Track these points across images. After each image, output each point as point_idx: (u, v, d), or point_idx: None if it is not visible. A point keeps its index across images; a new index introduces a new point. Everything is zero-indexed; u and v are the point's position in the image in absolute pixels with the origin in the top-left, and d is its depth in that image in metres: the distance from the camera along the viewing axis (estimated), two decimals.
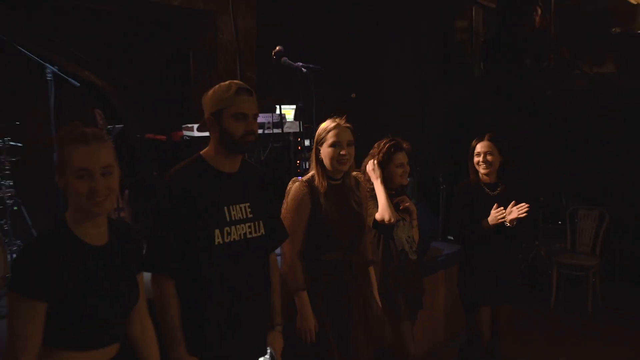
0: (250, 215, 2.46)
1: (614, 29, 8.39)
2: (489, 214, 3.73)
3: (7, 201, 4.88)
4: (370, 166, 3.47)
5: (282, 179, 6.61)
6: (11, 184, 4.93)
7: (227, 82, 2.50)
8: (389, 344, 3.31)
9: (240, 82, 2.50)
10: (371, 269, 3.27)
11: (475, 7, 8.63)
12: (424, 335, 4.68)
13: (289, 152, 6.50)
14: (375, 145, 3.58)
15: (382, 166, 3.48)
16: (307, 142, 6.98)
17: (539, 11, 8.41)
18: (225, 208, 2.39)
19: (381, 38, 7.94)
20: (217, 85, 2.51)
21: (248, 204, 2.46)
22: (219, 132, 2.42)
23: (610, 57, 8.32)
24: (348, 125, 3.05)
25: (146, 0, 6.55)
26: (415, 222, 3.61)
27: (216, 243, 2.34)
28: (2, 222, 4.82)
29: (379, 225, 3.41)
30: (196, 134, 6.22)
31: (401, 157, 3.50)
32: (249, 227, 2.46)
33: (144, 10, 7.08)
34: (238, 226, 2.41)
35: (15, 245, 4.87)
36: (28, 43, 5.76)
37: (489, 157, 3.78)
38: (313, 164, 3.06)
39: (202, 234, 2.33)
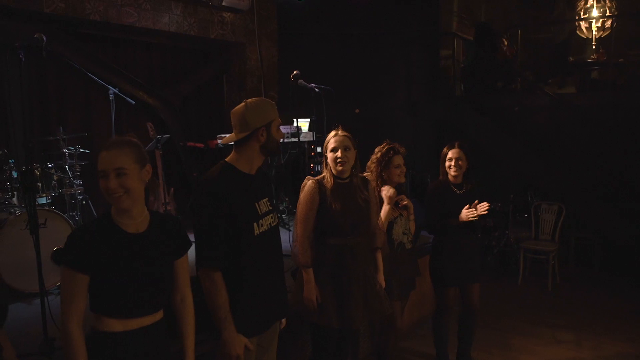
0: (270, 208, 2.46)
1: (570, 58, 8.39)
2: (456, 209, 3.66)
3: (78, 197, 4.93)
4: (385, 192, 3.37)
5: (298, 178, 6.64)
6: (81, 182, 4.97)
7: (264, 99, 2.45)
8: (386, 317, 3.32)
9: (269, 100, 2.50)
10: (378, 255, 3.22)
11: (456, 39, 8.61)
12: (414, 309, 4.67)
13: (304, 157, 6.53)
14: (376, 149, 3.54)
15: (382, 167, 3.45)
16: (319, 149, 7.00)
17: (505, 43, 8.41)
18: (256, 204, 2.38)
19: (379, 64, 7.95)
20: (256, 102, 2.41)
21: (267, 198, 2.46)
22: (265, 140, 2.38)
23: (567, 81, 8.32)
24: (345, 133, 3.04)
25: (189, 35, 6.60)
26: (412, 216, 3.57)
27: (255, 234, 2.34)
28: (74, 213, 4.87)
29: None
30: (228, 142, 6.25)
31: (398, 159, 3.47)
32: (272, 217, 2.47)
33: (187, 42, 7.13)
34: (266, 218, 2.41)
35: None
36: (95, 69, 5.83)
37: (459, 162, 3.72)
38: (324, 166, 3.07)
39: (245, 227, 2.31)
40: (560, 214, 6.16)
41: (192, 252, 2.21)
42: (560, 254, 6.29)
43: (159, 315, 2.00)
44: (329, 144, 3.02)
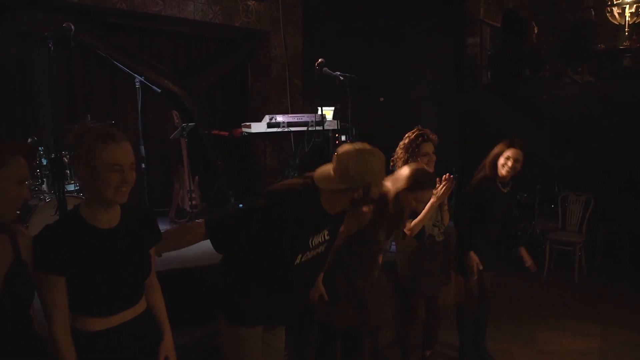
0: (327, 238, 2.37)
1: (600, 45, 8.18)
2: (500, 208, 3.59)
3: None
4: (442, 185, 3.24)
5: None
6: None
7: (375, 151, 2.22)
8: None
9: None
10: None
11: (483, 26, 8.47)
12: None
13: (328, 145, 6.51)
14: (406, 135, 3.42)
15: (410, 154, 3.32)
16: (343, 138, 6.99)
17: (535, 30, 8.23)
18: (310, 239, 2.28)
19: (405, 52, 7.87)
20: (363, 154, 2.17)
21: (327, 231, 2.35)
22: (359, 199, 2.20)
23: (597, 68, 8.11)
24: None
25: (213, 23, 6.61)
26: (445, 207, 3.46)
27: (295, 263, 2.28)
28: None
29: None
30: (252, 130, 6.28)
31: (427, 147, 3.34)
32: (324, 246, 2.38)
33: (211, 31, 7.15)
34: (316, 250, 2.34)
35: None
36: (121, 58, 5.89)
37: (517, 164, 3.58)
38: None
39: (287, 255, 2.25)
40: (588, 206, 6.05)
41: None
42: (587, 246, 6.18)
43: (141, 307, 1.96)
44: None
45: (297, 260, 2.27)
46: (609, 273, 6.12)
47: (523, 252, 3.78)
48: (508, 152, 3.58)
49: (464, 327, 3.89)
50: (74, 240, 1.77)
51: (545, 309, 5.03)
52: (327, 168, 2.23)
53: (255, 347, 2.37)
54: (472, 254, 3.56)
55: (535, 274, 6.01)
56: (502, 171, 3.57)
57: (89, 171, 1.78)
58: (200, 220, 2.29)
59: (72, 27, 3.29)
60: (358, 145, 2.21)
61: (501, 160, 3.58)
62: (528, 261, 3.76)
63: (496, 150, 3.64)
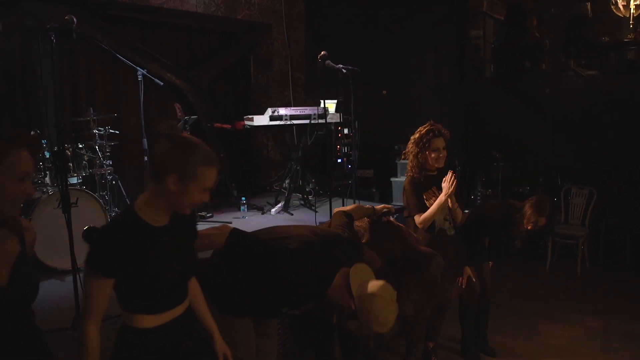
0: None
1: (604, 38, 8.13)
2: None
3: (108, 177, 5.02)
4: (447, 181, 3.29)
5: (325, 159, 6.65)
6: (110, 163, 5.06)
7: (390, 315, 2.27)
8: None
9: None
10: None
11: (486, 18, 8.42)
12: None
13: (331, 138, 6.51)
14: (418, 129, 3.43)
15: (419, 149, 3.34)
16: (345, 131, 6.98)
17: (535, 23, 8.19)
18: (307, 301, 2.41)
19: (407, 45, 7.84)
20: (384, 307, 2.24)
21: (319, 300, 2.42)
22: (347, 314, 2.27)
23: (600, 62, 8.07)
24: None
25: (215, 16, 6.60)
26: (456, 205, 3.48)
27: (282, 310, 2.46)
28: (104, 193, 4.96)
29: None
30: (255, 123, 6.27)
31: (438, 142, 3.34)
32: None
33: (214, 23, 7.14)
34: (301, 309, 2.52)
35: (113, 212, 5.02)
36: (123, 50, 5.88)
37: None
38: None
39: (278, 305, 2.41)
40: (591, 199, 6.04)
41: None
42: (590, 239, 6.17)
43: (186, 303, 1.98)
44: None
45: (284, 310, 2.39)
46: (611, 266, 6.12)
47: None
48: (541, 220, 3.57)
49: (467, 320, 3.91)
50: (131, 240, 1.75)
51: (547, 302, 5.03)
52: (363, 278, 2.26)
53: (245, 334, 2.40)
54: (469, 269, 3.66)
55: (537, 267, 6.04)
56: (525, 227, 3.59)
57: (182, 186, 1.76)
58: (225, 227, 2.30)
59: (74, 19, 3.28)
60: (386, 292, 2.23)
61: (528, 222, 3.57)
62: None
63: (529, 211, 3.58)
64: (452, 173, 3.31)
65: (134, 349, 1.82)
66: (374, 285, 2.24)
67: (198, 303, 2.10)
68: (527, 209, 3.53)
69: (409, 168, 3.47)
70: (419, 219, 3.30)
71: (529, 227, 3.56)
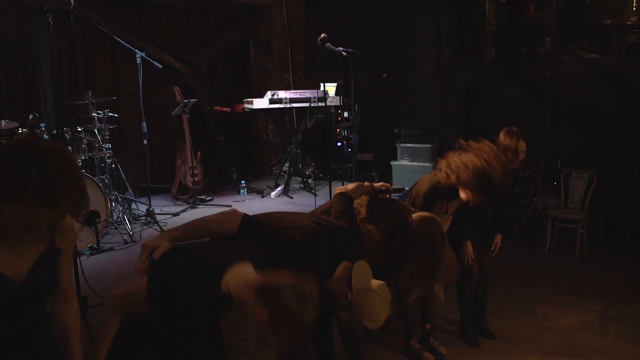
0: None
1: (606, 21, 8.07)
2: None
3: (107, 160, 5.01)
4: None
5: (324, 142, 6.64)
6: (110, 146, 5.05)
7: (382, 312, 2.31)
8: None
9: None
10: None
11: (488, 1, 8.35)
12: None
13: (330, 121, 6.50)
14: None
15: None
16: (345, 114, 6.96)
17: (532, 6, 8.13)
18: None
19: (408, 28, 7.78)
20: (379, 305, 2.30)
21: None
22: (342, 307, 2.31)
23: (602, 45, 8.02)
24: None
25: None
26: None
27: None
28: (103, 176, 4.96)
29: None
30: (254, 106, 6.24)
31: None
32: None
33: (213, 5, 7.08)
34: None
35: (113, 195, 5.02)
36: (121, 33, 5.84)
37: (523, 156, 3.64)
38: None
39: None
40: (591, 183, 6.03)
41: None
42: (589, 223, 6.18)
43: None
44: None
45: None
46: (611, 249, 6.13)
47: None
48: (520, 146, 3.64)
49: (465, 302, 3.93)
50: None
51: (546, 285, 5.05)
52: (365, 275, 2.31)
53: (251, 325, 2.39)
54: (469, 244, 3.64)
55: (537, 250, 6.06)
56: (515, 165, 3.63)
57: None
58: (235, 212, 2.23)
59: (72, 1, 3.25)
60: (384, 292, 2.28)
61: (509, 153, 3.61)
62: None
63: (505, 144, 3.64)
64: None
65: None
66: (374, 282, 2.30)
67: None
68: (501, 142, 3.59)
69: (444, 175, 3.29)
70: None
71: (515, 163, 3.58)
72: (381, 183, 3.14)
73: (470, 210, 3.62)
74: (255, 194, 6.25)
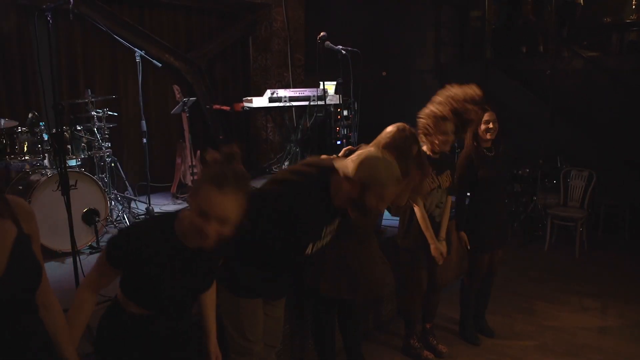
0: (336, 227, 2.42)
1: (606, 19, 8.07)
2: (492, 173, 3.63)
3: (107, 159, 5.00)
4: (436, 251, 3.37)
5: (324, 141, 6.62)
6: (109, 145, 5.04)
7: (396, 166, 2.22)
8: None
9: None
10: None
11: (487, 0, 8.35)
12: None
13: (330, 120, 6.49)
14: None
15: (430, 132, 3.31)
16: (345, 113, 6.95)
17: (530, 5, 8.13)
18: (324, 229, 2.32)
19: (408, 26, 7.78)
20: (381, 161, 2.18)
21: (338, 219, 2.39)
22: (355, 198, 2.16)
23: (602, 43, 8.02)
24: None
25: None
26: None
27: (306, 253, 2.31)
28: (103, 175, 4.95)
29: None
30: (254, 105, 6.23)
31: (448, 126, 3.28)
32: (333, 233, 2.43)
33: (212, 4, 7.07)
34: (326, 238, 2.36)
35: (112, 194, 5.01)
36: (121, 31, 5.83)
37: (496, 125, 3.63)
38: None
39: (298, 247, 2.28)
40: (590, 181, 6.03)
41: None
42: (588, 221, 6.19)
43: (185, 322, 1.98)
44: None
45: (308, 250, 2.29)
46: (610, 247, 6.14)
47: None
48: (486, 117, 3.62)
49: (466, 301, 3.93)
50: (151, 248, 1.76)
51: (545, 284, 5.06)
52: (354, 158, 2.22)
53: (254, 315, 2.42)
54: (463, 234, 3.67)
55: (536, 249, 6.07)
56: (487, 136, 3.64)
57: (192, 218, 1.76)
58: None
59: None
60: (385, 154, 2.26)
61: (482, 127, 3.63)
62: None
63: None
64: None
65: (115, 326, 1.86)
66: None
67: (206, 298, 2.10)
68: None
69: (426, 141, 3.43)
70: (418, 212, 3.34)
71: (489, 134, 3.59)
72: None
73: (487, 206, 3.64)
74: None
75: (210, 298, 2.14)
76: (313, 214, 2.20)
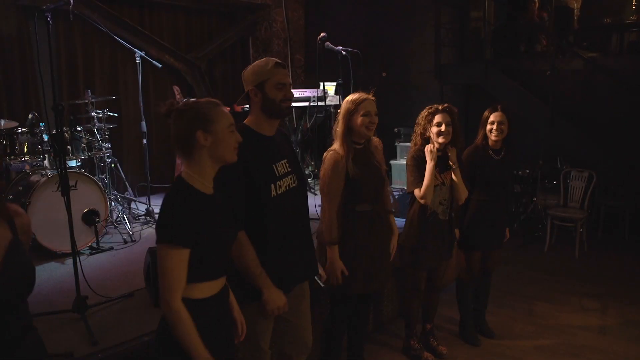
0: (289, 169, 2.42)
1: (606, 19, 8.07)
2: (493, 176, 3.64)
3: (107, 159, 5.01)
4: (429, 148, 3.31)
5: (324, 142, 6.62)
6: (109, 146, 5.04)
7: (263, 59, 2.38)
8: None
9: (274, 58, 2.40)
10: (392, 218, 3.23)
11: (487, 0, 8.35)
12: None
13: (330, 121, 6.48)
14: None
15: (424, 124, 3.37)
16: None
17: (536, 5, 8.13)
18: (273, 165, 2.35)
19: (408, 26, 7.78)
20: (253, 63, 2.39)
21: (286, 160, 2.41)
22: (262, 101, 2.33)
23: (602, 44, 8.01)
24: (373, 98, 3.01)
25: None
26: (461, 181, 3.42)
27: (272, 195, 2.31)
28: (103, 176, 4.95)
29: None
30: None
31: (440, 117, 3.31)
32: (290, 179, 2.42)
33: (212, 4, 7.07)
34: (284, 179, 2.38)
35: (113, 195, 5.01)
36: (121, 32, 5.83)
37: (502, 127, 3.61)
38: (341, 132, 2.95)
39: (263, 189, 2.29)
40: (590, 181, 6.04)
41: None
42: (588, 222, 6.19)
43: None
44: (360, 107, 2.94)
45: (273, 192, 2.31)
46: (610, 248, 6.14)
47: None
48: (492, 117, 3.64)
49: (464, 301, 3.93)
50: (193, 209, 1.78)
51: (545, 284, 5.06)
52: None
53: (266, 324, 2.39)
54: (456, 231, 3.65)
55: (536, 249, 6.06)
56: (492, 137, 3.64)
57: (210, 136, 1.83)
58: None
59: (71, 0, 3.24)
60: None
61: (488, 127, 3.65)
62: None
63: (483, 119, 3.71)
64: (449, 147, 3.35)
65: (193, 319, 1.79)
66: None
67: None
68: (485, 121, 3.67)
69: (412, 144, 3.52)
70: (419, 193, 3.30)
71: (493, 135, 3.61)
72: None
73: (484, 207, 3.65)
74: None
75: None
76: (251, 151, 2.25)
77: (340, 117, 2.98)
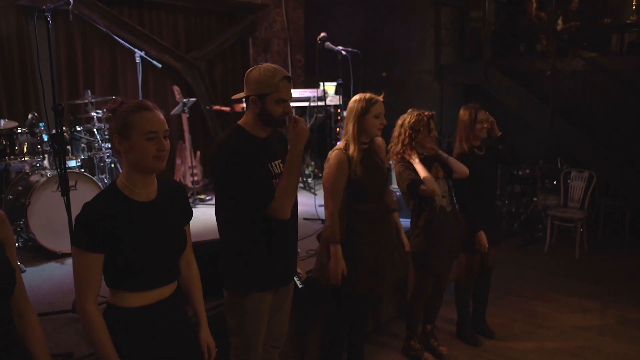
0: (282, 170, 2.40)
1: (606, 20, 8.07)
2: (484, 171, 3.65)
3: (107, 159, 5.01)
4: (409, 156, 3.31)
5: (324, 142, 6.63)
6: (109, 146, 5.04)
7: (272, 68, 2.32)
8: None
9: (284, 70, 2.36)
10: (396, 216, 3.24)
11: (487, 0, 8.35)
12: None
13: (330, 120, 6.49)
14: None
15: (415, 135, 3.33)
16: (345, 113, 6.96)
17: (534, 5, 8.13)
18: (269, 165, 2.35)
19: (408, 26, 7.78)
20: (263, 68, 2.32)
21: (280, 161, 2.40)
22: (260, 111, 2.30)
23: (602, 44, 8.01)
24: (382, 99, 3.02)
25: None
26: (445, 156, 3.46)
27: (271, 183, 2.31)
28: (103, 176, 4.95)
29: (420, 193, 3.29)
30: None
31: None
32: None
33: (212, 4, 7.07)
34: (278, 179, 2.36)
35: None
36: (121, 32, 5.84)
37: (487, 124, 3.66)
38: (355, 133, 2.95)
39: (258, 185, 2.28)
40: (590, 181, 6.04)
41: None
42: (589, 222, 6.19)
43: (175, 284, 1.93)
44: (372, 109, 2.93)
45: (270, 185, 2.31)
46: (610, 248, 6.15)
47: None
48: (480, 116, 3.65)
49: (462, 302, 3.93)
50: (113, 214, 1.73)
51: (545, 285, 5.06)
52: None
53: (259, 317, 2.39)
54: (482, 234, 3.62)
55: (536, 249, 6.07)
56: (481, 135, 3.67)
57: (126, 142, 1.76)
58: None
59: (71, 0, 3.24)
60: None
61: (477, 126, 3.65)
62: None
63: (468, 120, 3.67)
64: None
65: (117, 328, 1.76)
66: None
67: (190, 286, 2.07)
68: (462, 117, 3.68)
69: (394, 155, 3.44)
70: (425, 188, 3.24)
71: (483, 133, 3.63)
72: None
73: (481, 203, 3.65)
74: None
75: (194, 277, 2.08)
76: (246, 152, 2.26)
77: (351, 117, 2.98)
